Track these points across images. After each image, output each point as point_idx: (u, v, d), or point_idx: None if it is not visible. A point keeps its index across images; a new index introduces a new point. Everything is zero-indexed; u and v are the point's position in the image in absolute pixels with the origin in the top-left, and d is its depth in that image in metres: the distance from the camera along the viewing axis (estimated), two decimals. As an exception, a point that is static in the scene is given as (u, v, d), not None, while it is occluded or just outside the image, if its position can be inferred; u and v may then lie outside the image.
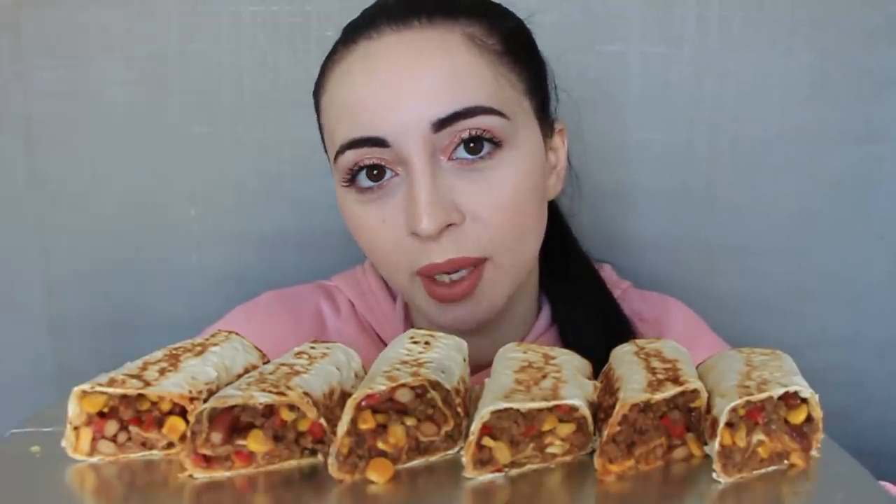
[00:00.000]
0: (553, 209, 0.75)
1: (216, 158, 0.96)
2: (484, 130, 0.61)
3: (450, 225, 0.62)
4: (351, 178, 0.64)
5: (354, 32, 0.65)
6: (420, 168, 0.61)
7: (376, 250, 0.66)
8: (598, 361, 0.52)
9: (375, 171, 0.63)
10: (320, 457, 0.44)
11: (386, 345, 0.73)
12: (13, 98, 0.95)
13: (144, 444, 0.45)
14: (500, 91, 0.63)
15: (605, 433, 0.43)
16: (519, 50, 0.66)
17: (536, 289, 0.75)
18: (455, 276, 0.63)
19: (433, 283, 0.64)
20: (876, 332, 0.97)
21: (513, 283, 0.67)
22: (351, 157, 0.63)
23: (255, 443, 0.43)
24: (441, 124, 0.61)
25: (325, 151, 0.70)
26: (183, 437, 0.44)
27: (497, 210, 0.63)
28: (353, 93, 0.63)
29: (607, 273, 0.80)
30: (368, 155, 0.63)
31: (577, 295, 0.75)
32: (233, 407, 0.42)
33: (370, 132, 0.62)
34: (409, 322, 0.75)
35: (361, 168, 0.64)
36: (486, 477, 0.43)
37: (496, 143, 0.62)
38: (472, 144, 0.62)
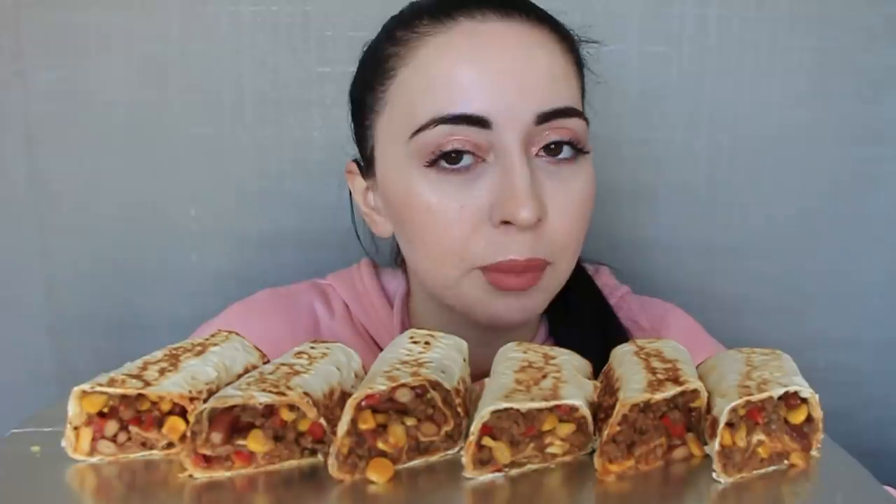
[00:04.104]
0: None
1: (216, 158, 0.96)
2: (574, 134, 0.63)
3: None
4: (434, 159, 0.62)
5: (451, 8, 0.64)
6: (518, 156, 0.61)
7: (442, 237, 0.63)
8: (595, 373, 0.51)
9: (454, 154, 0.62)
10: (320, 457, 0.44)
11: (380, 347, 0.73)
12: (13, 98, 0.95)
13: (144, 444, 0.45)
14: (581, 98, 0.66)
15: (605, 433, 0.43)
16: (581, 65, 0.69)
17: None
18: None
19: (498, 273, 0.62)
20: (875, 332, 0.97)
21: (559, 288, 0.67)
22: (443, 131, 0.61)
23: (255, 443, 0.43)
24: (544, 118, 0.61)
25: (361, 126, 0.69)
26: (183, 437, 0.44)
27: (569, 214, 0.63)
28: (456, 68, 0.62)
29: (605, 278, 0.80)
30: (463, 134, 0.61)
31: (573, 310, 0.74)
32: (233, 407, 0.42)
33: (475, 111, 0.60)
34: (404, 326, 0.74)
35: (447, 151, 0.61)
36: (486, 477, 0.43)
37: (579, 150, 0.64)
38: (552, 146, 0.63)
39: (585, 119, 0.65)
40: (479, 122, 0.60)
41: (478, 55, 0.62)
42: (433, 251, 0.64)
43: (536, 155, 0.63)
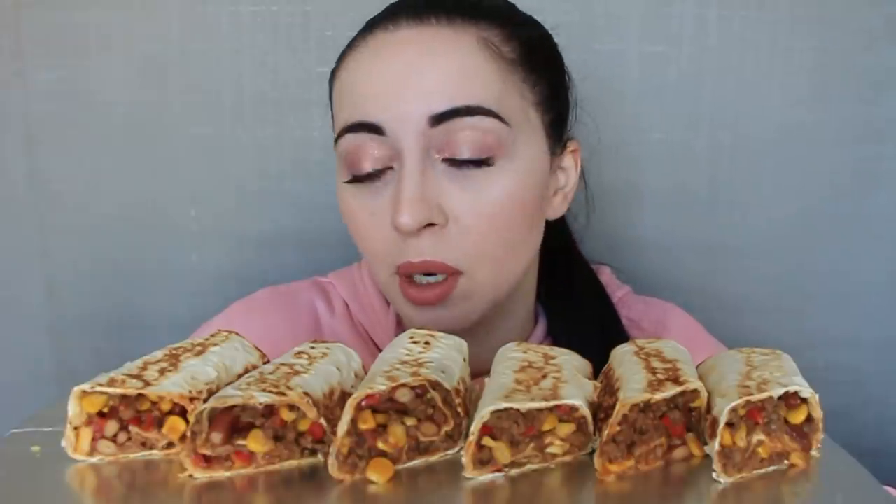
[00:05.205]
0: (561, 225, 0.74)
1: (216, 158, 0.96)
2: (480, 136, 0.61)
3: (431, 225, 0.61)
4: (350, 176, 0.65)
5: (373, 24, 0.65)
6: (411, 162, 0.61)
7: (363, 243, 0.67)
8: (595, 373, 0.51)
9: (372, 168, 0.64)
10: (320, 457, 0.44)
11: (378, 347, 0.73)
12: (13, 98, 0.95)
13: (144, 444, 0.45)
14: (507, 98, 0.63)
15: (605, 433, 0.43)
16: (537, 60, 0.66)
17: (532, 302, 0.74)
18: (431, 279, 0.63)
19: (408, 283, 0.64)
20: (875, 332, 0.97)
21: (490, 299, 0.65)
22: (349, 141, 0.64)
23: (255, 443, 0.43)
24: (439, 119, 0.61)
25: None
26: (183, 437, 0.44)
27: (482, 218, 0.62)
28: (360, 80, 0.64)
29: (606, 277, 0.79)
30: (366, 143, 0.63)
31: (576, 310, 0.74)
32: (233, 407, 0.42)
33: (369, 118, 0.62)
34: (400, 326, 0.74)
35: (355, 169, 0.64)
36: (486, 477, 0.43)
37: (492, 153, 0.62)
38: (466, 150, 0.61)
39: (500, 118, 0.62)
40: (374, 129, 0.62)
41: (381, 64, 0.63)
42: (363, 253, 0.68)
43: (443, 160, 0.62)
